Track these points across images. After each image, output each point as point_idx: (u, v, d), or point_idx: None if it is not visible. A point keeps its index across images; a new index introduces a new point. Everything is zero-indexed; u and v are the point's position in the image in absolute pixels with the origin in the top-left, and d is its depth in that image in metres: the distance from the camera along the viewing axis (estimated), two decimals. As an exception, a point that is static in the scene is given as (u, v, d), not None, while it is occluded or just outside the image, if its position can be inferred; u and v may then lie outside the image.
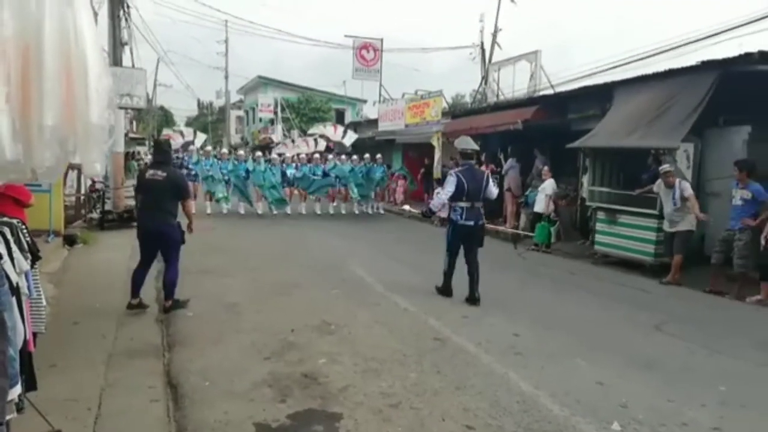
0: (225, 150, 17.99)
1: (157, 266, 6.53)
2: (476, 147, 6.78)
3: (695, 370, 4.78)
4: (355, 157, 17.68)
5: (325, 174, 16.36)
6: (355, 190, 16.43)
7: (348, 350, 4.98)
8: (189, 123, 73.20)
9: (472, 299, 6.68)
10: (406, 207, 7.92)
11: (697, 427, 3.68)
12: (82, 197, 12.81)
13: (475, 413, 3.80)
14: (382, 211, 17.58)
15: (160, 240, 5.98)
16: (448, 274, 6.95)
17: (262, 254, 9.73)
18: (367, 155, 17.37)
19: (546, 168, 11.54)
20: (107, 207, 12.74)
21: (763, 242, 7.07)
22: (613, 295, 7.51)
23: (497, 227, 13.14)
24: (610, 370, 4.66)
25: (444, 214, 6.85)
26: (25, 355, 2.94)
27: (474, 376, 4.43)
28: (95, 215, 12.77)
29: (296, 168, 16.31)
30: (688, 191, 8.13)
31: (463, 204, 6.64)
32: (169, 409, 3.87)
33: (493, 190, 6.99)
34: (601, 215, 9.87)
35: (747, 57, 8.15)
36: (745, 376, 4.68)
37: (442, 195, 6.78)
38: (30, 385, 3.11)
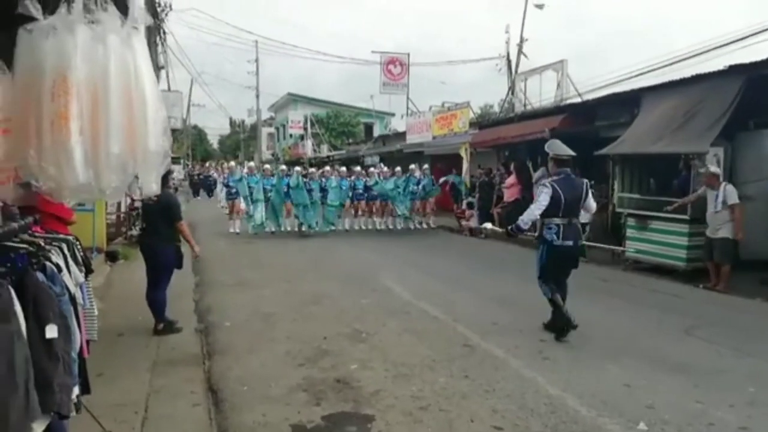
0: (268, 166, 17.78)
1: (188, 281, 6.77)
2: (571, 152, 5.82)
3: (724, 372, 4.78)
4: (386, 168, 17.17)
5: (367, 188, 15.67)
6: (401, 207, 15.46)
7: (379, 357, 5.14)
8: (222, 141, 75.05)
9: (560, 329, 5.65)
10: (488, 225, 6.36)
11: (724, 427, 3.71)
12: (123, 215, 13.32)
13: (503, 415, 3.91)
14: (433, 225, 16.42)
15: (154, 262, 5.93)
16: (555, 302, 5.73)
17: (296, 267, 10.01)
18: (412, 166, 16.36)
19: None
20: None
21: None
22: (644, 301, 7.49)
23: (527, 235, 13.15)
24: (638, 373, 4.70)
25: (523, 227, 5.71)
26: (81, 361, 3.19)
27: (502, 380, 4.54)
28: (135, 232, 13.26)
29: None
30: (733, 199, 7.93)
31: (558, 221, 5.63)
32: (210, 412, 4.09)
33: (592, 204, 6.04)
34: (631, 221, 9.83)
35: (775, 59, 8.08)
36: (694, 350, 4.66)
37: (534, 209, 5.68)
38: (84, 388, 3.35)
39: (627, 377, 4.59)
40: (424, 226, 16.34)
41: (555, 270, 5.83)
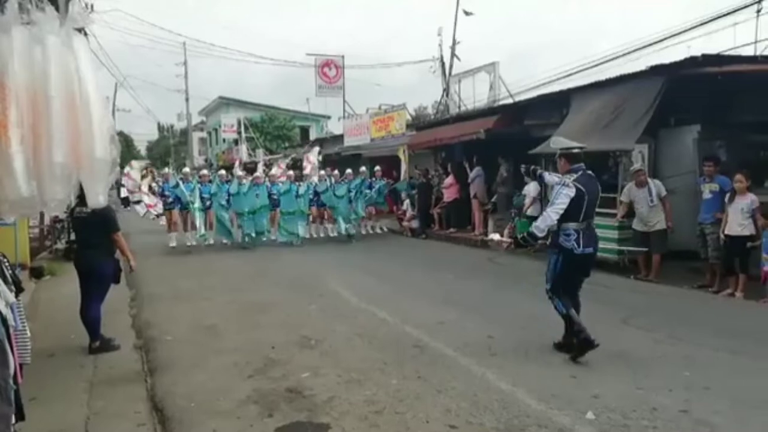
0: (205, 171, 15.63)
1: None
2: (580, 144, 5.32)
3: (661, 358, 5.04)
4: (336, 171, 15.94)
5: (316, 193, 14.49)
6: (341, 222, 14.24)
7: (330, 363, 5.08)
8: (150, 147, 72.28)
9: (579, 349, 4.93)
10: (496, 236, 5.24)
11: (665, 411, 3.90)
12: (46, 228, 12.58)
13: (456, 413, 3.95)
14: (384, 229, 15.97)
15: (91, 276, 5.64)
16: (572, 318, 5.04)
17: (238, 275, 9.76)
18: (363, 168, 15.83)
19: (522, 172, 11.63)
20: (72, 237, 12.53)
21: (722, 236, 7.43)
22: (581, 294, 7.77)
23: (467, 234, 13.42)
24: (583, 364, 4.87)
25: (539, 235, 5.02)
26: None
27: (454, 379, 4.59)
28: (61, 245, 12.54)
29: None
30: (663, 191, 8.42)
31: (577, 225, 4.97)
32: (157, 431, 3.91)
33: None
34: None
35: (693, 60, 8.61)
36: (706, 362, 4.94)
37: (551, 213, 4.92)
38: (18, 415, 3.13)
39: (572, 369, 4.76)
40: (378, 230, 15.85)
41: (570, 281, 5.21)
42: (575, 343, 4.98)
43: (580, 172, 5.05)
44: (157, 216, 16.08)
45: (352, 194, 14.56)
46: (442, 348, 5.39)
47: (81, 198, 5.16)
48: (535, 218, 11.48)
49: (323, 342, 5.72)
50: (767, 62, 8.68)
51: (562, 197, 4.90)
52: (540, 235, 5.03)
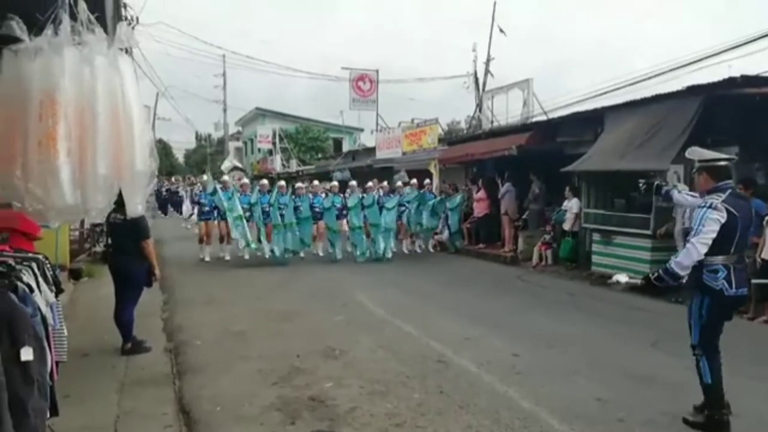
0: (246, 180, 14.78)
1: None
2: (730, 156, 4.47)
3: (690, 384, 4.88)
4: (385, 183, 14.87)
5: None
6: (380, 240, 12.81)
7: (353, 374, 5.13)
8: (187, 155, 73.98)
9: (705, 425, 4.04)
10: (622, 278, 3.83)
11: (691, 438, 3.82)
12: (86, 231, 12.99)
13: (477, 430, 3.95)
14: (429, 248, 14.67)
15: (125, 280, 5.84)
16: (715, 389, 4.11)
17: (267, 284, 9.92)
18: (414, 181, 14.66)
19: (568, 189, 11.60)
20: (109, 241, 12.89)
21: (759, 261, 7.24)
22: (611, 315, 7.67)
23: (496, 250, 13.33)
24: (609, 386, 4.81)
25: (681, 273, 3.99)
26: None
27: (476, 396, 4.58)
28: (99, 248, 12.93)
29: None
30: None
31: (725, 260, 3.97)
32: (183, 434, 4.01)
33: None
34: (596, 237, 10.08)
35: (731, 81, 8.45)
36: (738, 389, 4.79)
37: (697, 246, 3.91)
38: (52, 411, 3.26)
39: (597, 390, 4.69)
40: (417, 249, 14.61)
41: (718, 330, 4.22)
42: (704, 419, 4.07)
43: (728, 191, 4.02)
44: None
45: (410, 208, 13.58)
46: (466, 364, 5.38)
47: (118, 205, 5.45)
48: (566, 231, 11.51)
49: (347, 353, 5.77)
50: (809, 84, 8.46)
51: (711, 223, 3.89)
52: (682, 273, 3.96)
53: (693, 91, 8.87)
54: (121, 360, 5.51)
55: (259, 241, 12.23)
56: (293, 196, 12.71)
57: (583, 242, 11.08)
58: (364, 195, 13.25)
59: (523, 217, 13.08)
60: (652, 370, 5.22)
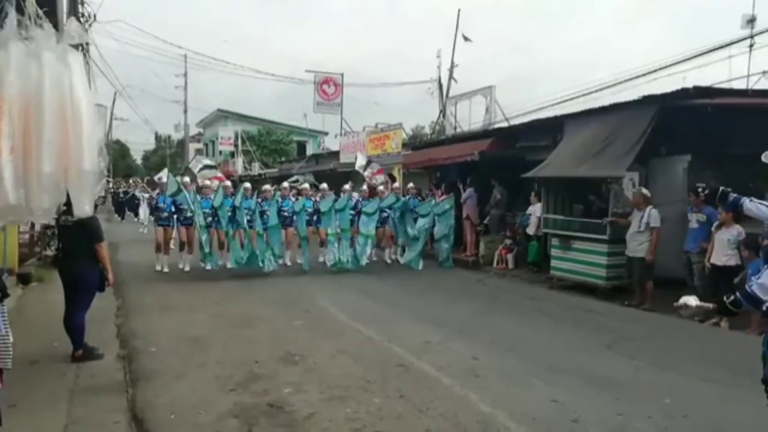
0: (208, 181, 12.97)
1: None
2: None
3: (643, 385, 5.05)
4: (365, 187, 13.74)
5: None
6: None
7: (313, 379, 5.07)
8: (146, 156, 72.33)
9: None
10: (692, 301, 3.13)
11: (643, 438, 3.92)
12: (37, 234, 12.53)
13: (436, 434, 3.95)
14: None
15: (76, 285, 5.61)
16: None
17: (225, 288, 9.75)
18: (410, 185, 13.81)
19: (534, 194, 11.67)
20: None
21: (708, 265, 7.49)
22: (569, 319, 7.81)
23: (457, 255, 13.44)
24: (565, 388, 4.88)
25: (764, 298, 3.15)
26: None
27: (435, 399, 4.59)
28: (50, 252, 12.48)
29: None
30: (656, 222, 8.41)
31: None
32: (135, 443, 3.89)
33: None
34: (555, 242, 10.27)
35: (683, 92, 8.76)
36: (688, 390, 4.97)
37: None
38: (-5, 421, 3.12)
39: (554, 393, 4.76)
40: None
41: None
42: None
43: None
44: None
45: (393, 214, 12.59)
46: (427, 368, 5.39)
47: (69, 206, 5.11)
48: (530, 236, 11.65)
49: (307, 358, 5.71)
50: (757, 96, 8.84)
51: None
52: (765, 297, 3.18)
53: (648, 100, 9.16)
54: (72, 367, 5.31)
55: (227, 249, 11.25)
56: (259, 200, 11.75)
57: (546, 246, 11.29)
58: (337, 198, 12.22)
59: (485, 222, 13.24)
60: (608, 372, 5.34)
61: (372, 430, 4.04)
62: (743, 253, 7.14)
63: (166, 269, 11.36)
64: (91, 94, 3.28)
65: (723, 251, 7.33)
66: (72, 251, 5.67)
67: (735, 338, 6.89)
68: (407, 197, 13.06)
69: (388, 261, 13.09)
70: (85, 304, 5.67)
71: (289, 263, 12.21)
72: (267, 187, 12.76)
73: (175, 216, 11.67)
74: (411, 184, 13.86)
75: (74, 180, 2.91)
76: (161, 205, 11.80)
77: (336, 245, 11.67)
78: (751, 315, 6.93)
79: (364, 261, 11.95)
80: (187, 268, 11.39)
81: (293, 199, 12.45)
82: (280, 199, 12.18)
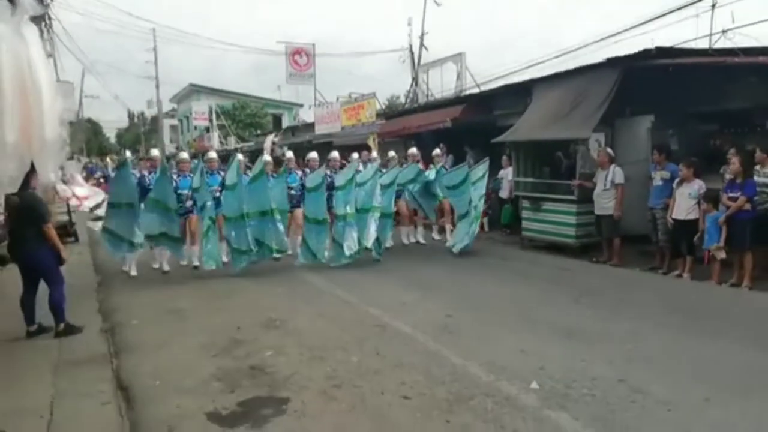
0: (185, 154, 10.02)
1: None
2: None
3: (607, 333, 5.34)
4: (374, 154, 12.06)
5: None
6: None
7: (293, 342, 5.27)
8: (120, 134, 70.90)
9: None
10: None
11: (604, 380, 4.19)
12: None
13: (411, 386, 4.18)
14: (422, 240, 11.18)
15: (31, 267, 5.63)
16: None
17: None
18: (392, 153, 11.80)
19: (505, 157, 11.85)
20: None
21: (670, 220, 7.79)
22: (538, 275, 8.10)
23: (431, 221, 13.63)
24: (533, 339, 5.15)
25: None
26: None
27: (410, 355, 4.82)
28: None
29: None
30: (620, 179, 8.67)
31: None
32: (121, 409, 4.05)
33: None
34: (526, 203, 10.53)
35: (646, 53, 8.91)
36: (649, 337, 5.25)
37: None
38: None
39: (522, 344, 5.02)
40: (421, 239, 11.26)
41: None
42: None
43: None
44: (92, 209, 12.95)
45: (413, 187, 10.40)
46: (402, 327, 5.62)
47: (24, 184, 5.03)
48: (504, 199, 11.87)
49: (288, 323, 5.90)
50: (717, 55, 9.05)
51: None
52: None
53: (612, 62, 9.32)
54: (54, 342, 5.42)
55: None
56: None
57: (519, 209, 11.56)
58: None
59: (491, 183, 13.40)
60: (573, 323, 5.61)
61: (350, 385, 4.25)
62: (702, 206, 7.43)
63: (166, 267, 8.82)
64: (50, 65, 3.34)
65: (685, 206, 7.62)
66: (19, 234, 5.58)
67: (695, 288, 7.24)
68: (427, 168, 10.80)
69: (406, 242, 10.98)
70: (54, 281, 5.66)
71: (290, 251, 9.36)
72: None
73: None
74: (413, 150, 11.31)
75: (37, 149, 2.99)
76: (185, 190, 8.73)
77: (355, 228, 8.99)
78: (713, 265, 7.31)
79: (387, 244, 9.98)
80: (166, 268, 8.83)
81: (300, 173, 9.82)
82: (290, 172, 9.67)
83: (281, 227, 8.74)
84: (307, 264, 8.80)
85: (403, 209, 10.76)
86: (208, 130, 37.29)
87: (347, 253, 8.78)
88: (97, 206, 12.59)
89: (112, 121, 64.29)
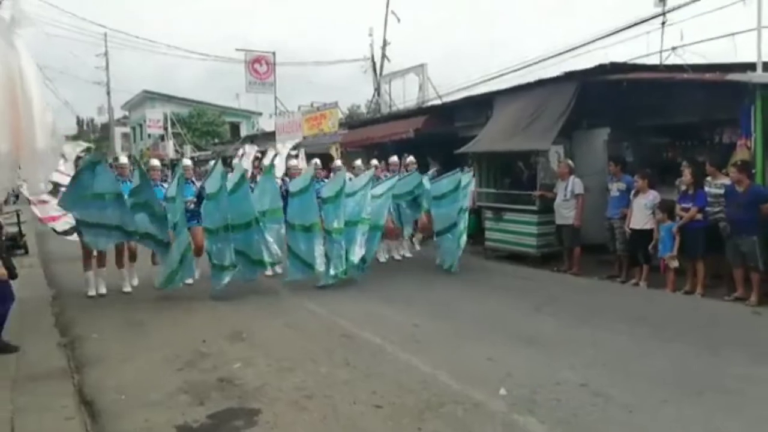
0: (125, 159, 9.39)
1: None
2: None
3: (568, 340, 5.52)
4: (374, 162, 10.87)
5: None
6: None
7: (261, 354, 5.24)
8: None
9: None
10: None
11: (567, 385, 4.34)
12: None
13: (382, 395, 4.22)
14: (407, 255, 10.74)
15: None
16: None
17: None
18: (394, 159, 10.77)
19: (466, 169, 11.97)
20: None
21: (628, 230, 8.10)
22: (502, 285, 8.28)
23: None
24: (499, 347, 5.27)
25: None
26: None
27: (380, 365, 4.86)
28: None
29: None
30: (579, 189, 8.96)
31: None
32: (87, 424, 3.94)
33: None
34: (488, 214, 10.75)
35: (601, 67, 9.29)
36: (608, 343, 5.46)
37: None
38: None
39: (488, 352, 5.13)
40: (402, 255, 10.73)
41: None
42: None
43: None
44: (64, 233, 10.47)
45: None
46: (370, 337, 5.66)
47: None
48: (476, 212, 12.06)
49: (255, 334, 5.86)
50: (667, 71, 9.50)
51: None
52: None
53: (569, 76, 9.67)
54: (11, 357, 5.22)
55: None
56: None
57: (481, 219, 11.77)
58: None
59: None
60: (536, 331, 5.78)
61: (321, 396, 4.26)
62: (657, 216, 7.75)
63: (102, 290, 7.90)
64: (41, 76, 3.28)
65: (641, 216, 7.94)
66: None
67: (652, 296, 7.53)
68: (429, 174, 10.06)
69: (398, 257, 10.55)
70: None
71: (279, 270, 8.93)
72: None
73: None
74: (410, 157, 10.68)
75: (28, 158, 2.93)
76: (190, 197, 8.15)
77: (342, 245, 8.13)
78: (667, 274, 7.62)
79: (372, 258, 9.04)
80: (128, 288, 8.16)
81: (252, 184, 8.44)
82: (282, 180, 9.05)
83: (270, 238, 7.81)
84: (296, 281, 7.98)
85: (389, 223, 9.68)
86: (162, 138, 36.49)
87: (332, 272, 7.99)
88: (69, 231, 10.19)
89: (60, 129, 61.93)
